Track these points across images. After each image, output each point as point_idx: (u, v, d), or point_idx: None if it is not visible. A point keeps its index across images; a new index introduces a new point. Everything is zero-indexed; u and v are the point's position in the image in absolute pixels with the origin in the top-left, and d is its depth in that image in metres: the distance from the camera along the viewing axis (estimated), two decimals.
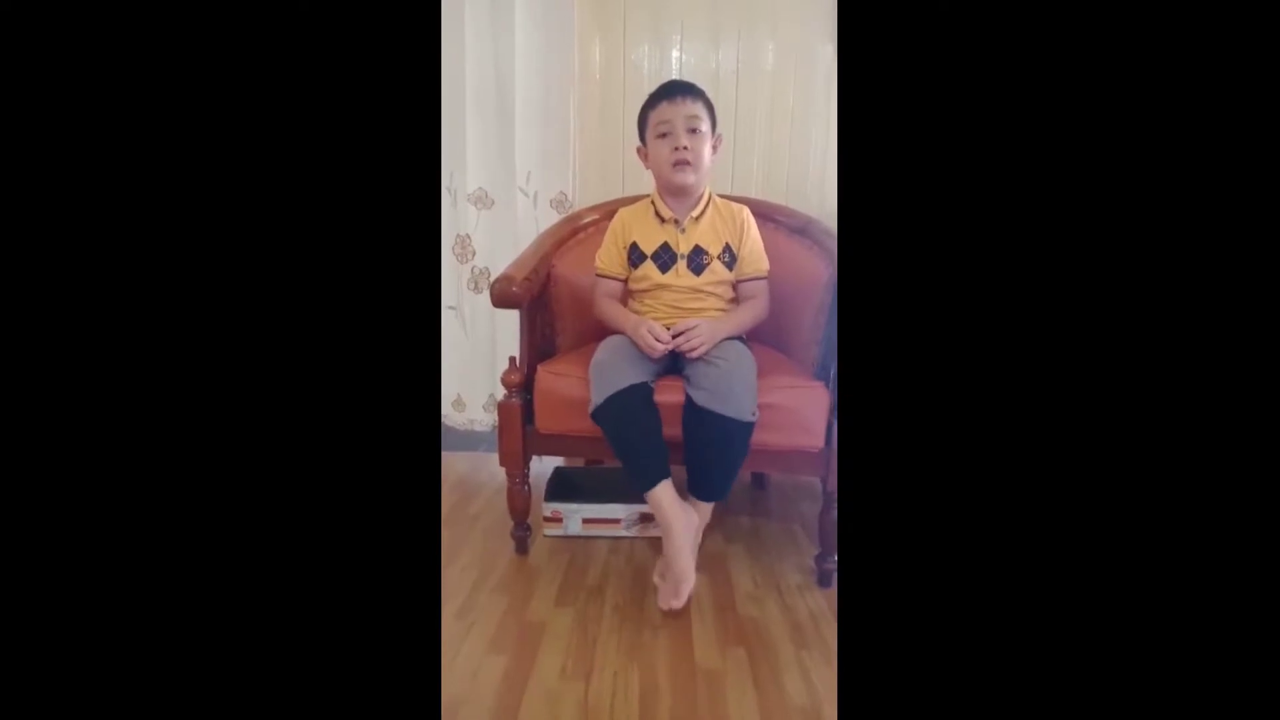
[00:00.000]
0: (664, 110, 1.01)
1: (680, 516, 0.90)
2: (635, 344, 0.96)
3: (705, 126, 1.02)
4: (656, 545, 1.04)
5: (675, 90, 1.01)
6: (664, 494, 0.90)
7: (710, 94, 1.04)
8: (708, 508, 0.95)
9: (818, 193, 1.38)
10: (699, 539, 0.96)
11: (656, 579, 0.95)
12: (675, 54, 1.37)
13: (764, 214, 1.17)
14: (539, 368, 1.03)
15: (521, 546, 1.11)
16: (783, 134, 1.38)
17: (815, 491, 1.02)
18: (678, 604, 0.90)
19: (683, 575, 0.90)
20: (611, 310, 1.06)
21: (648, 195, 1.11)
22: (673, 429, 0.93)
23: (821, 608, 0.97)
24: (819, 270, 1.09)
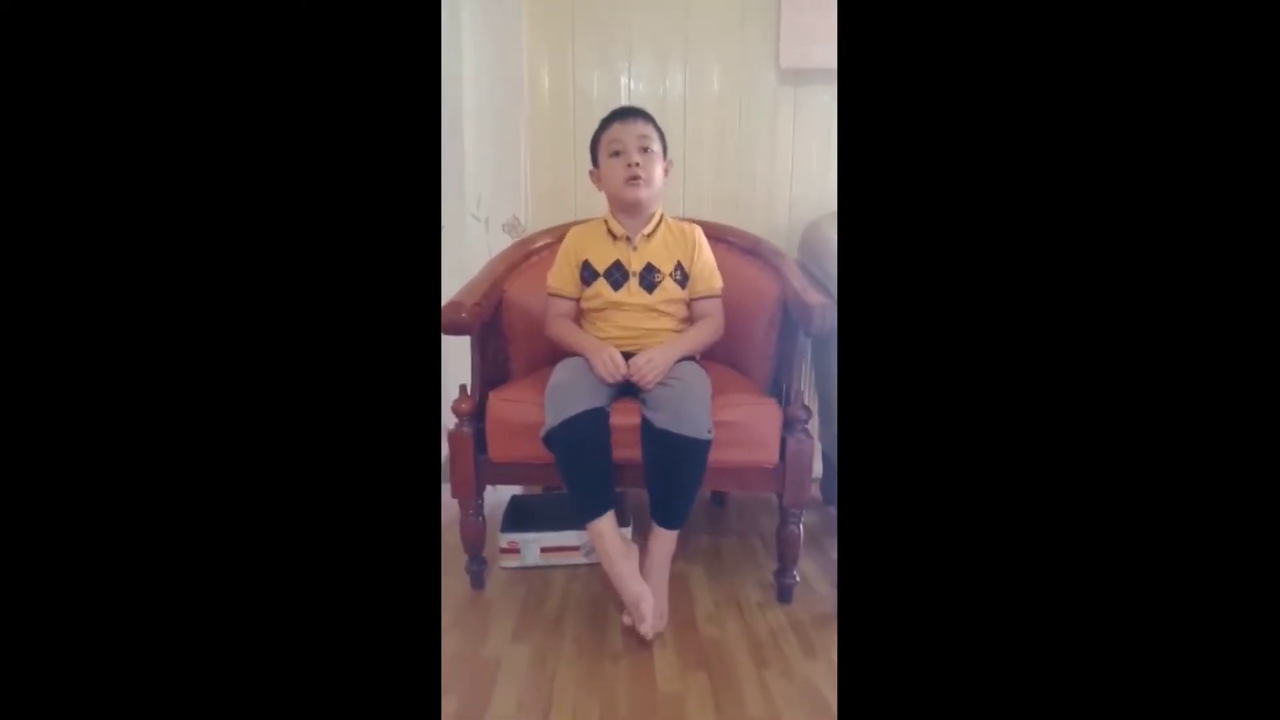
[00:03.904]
0: (616, 130, 1.04)
1: (621, 549, 0.90)
2: (592, 367, 0.95)
3: (656, 147, 1.04)
4: None
5: (627, 113, 1.05)
6: (605, 526, 0.90)
7: (659, 119, 1.07)
8: (672, 536, 0.94)
9: (766, 214, 1.42)
10: (667, 568, 0.94)
11: (625, 619, 0.93)
12: (624, 80, 1.39)
13: (715, 235, 1.19)
14: (490, 395, 1.01)
15: (477, 581, 1.07)
16: (730, 158, 1.41)
17: (774, 506, 1.03)
18: (646, 627, 0.88)
19: (636, 597, 0.88)
20: (567, 331, 1.05)
21: (601, 216, 1.11)
22: (628, 451, 0.92)
23: (781, 624, 0.97)
24: (770, 288, 1.11)
